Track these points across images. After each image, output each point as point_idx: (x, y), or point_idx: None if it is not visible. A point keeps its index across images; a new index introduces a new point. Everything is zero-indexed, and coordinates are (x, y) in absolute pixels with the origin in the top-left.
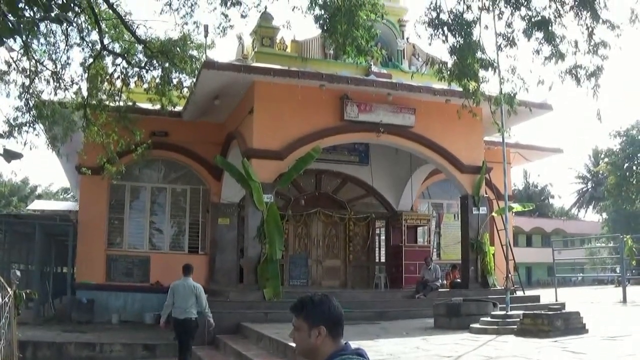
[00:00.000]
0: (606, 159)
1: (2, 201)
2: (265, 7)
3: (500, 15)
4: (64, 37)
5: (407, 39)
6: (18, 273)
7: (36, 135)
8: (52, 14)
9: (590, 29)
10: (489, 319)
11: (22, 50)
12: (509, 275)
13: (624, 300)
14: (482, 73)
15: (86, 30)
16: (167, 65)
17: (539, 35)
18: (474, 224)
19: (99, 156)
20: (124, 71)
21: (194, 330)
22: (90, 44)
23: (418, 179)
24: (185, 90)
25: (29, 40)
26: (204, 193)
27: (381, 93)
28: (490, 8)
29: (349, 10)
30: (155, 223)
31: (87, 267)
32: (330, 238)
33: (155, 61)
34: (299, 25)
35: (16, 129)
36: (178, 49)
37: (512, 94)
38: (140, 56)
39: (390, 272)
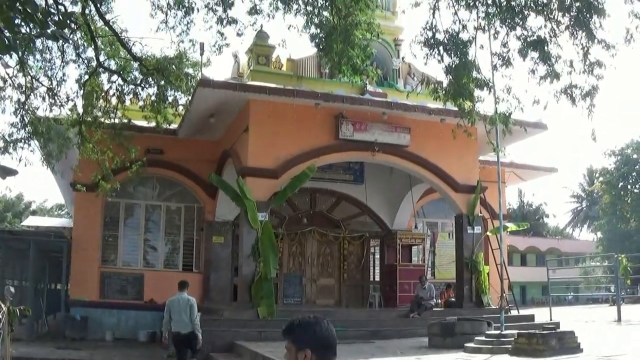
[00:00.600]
0: (601, 178)
1: None
2: (261, 26)
3: (496, 35)
4: (59, 53)
5: (403, 58)
6: (12, 289)
7: (31, 151)
8: (49, 31)
9: (585, 49)
10: (483, 338)
11: (17, 67)
12: (504, 294)
13: (619, 320)
14: (477, 93)
15: (82, 47)
16: (162, 82)
17: (535, 54)
18: (469, 243)
19: (94, 173)
20: (120, 88)
21: (194, 342)
22: (86, 61)
23: (413, 198)
24: (181, 108)
25: (24, 56)
26: (199, 211)
27: (376, 112)
28: (486, 28)
29: (344, 29)
30: (150, 241)
31: (81, 284)
32: (324, 257)
33: (150, 79)
34: (295, 44)
35: (11, 145)
36: (174, 66)
37: (507, 114)
38: (136, 73)
39: (385, 291)
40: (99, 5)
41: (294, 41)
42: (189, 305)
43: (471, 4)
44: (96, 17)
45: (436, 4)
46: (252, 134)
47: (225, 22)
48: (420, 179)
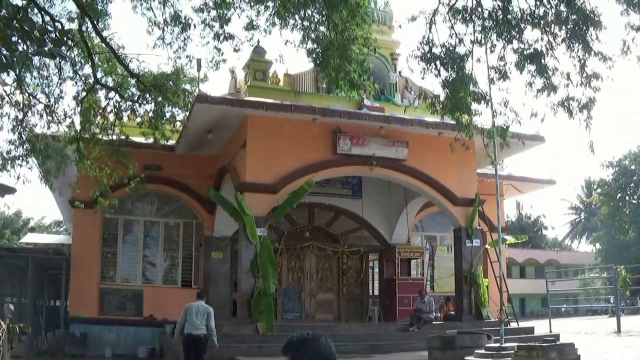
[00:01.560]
0: (599, 190)
1: None
2: (258, 41)
3: (493, 48)
4: (57, 70)
5: (400, 72)
6: (11, 307)
7: (29, 169)
8: (46, 49)
9: (582, 61)
10: (483, 351)
11: (15, 84)
12: (503, 307)
13: (618, 331)
14: (474, 106)
15: (79, 64)
16: (160, 99)
17: (531, 67)
18: (468, 256)
19: (92, 190)
20: (117, 105)
21: (203, 346)
22: (83, 78)
23: (411, 211)
24: (178, 124)
25: (22, 74)
26: (197, 227)
27: (374, 126)
28: (483, 41)
29: (341, 44)
30: (148, 257)
31: (80, 301)
32: (323, 271)
33: (148, 95)
34: (292, 59)
35: (9, 162)
36: (171, 82)
37: (504, 127)
38: (133, 90)
39: (384, 305)
40: (95, 22)
41: (291, 56)
42: (207, 312)
43: (467, 18)
44: (93, 34)
45: (432, 18)
46: (250, 149)
47: (222, 37)
48: (419, 193)
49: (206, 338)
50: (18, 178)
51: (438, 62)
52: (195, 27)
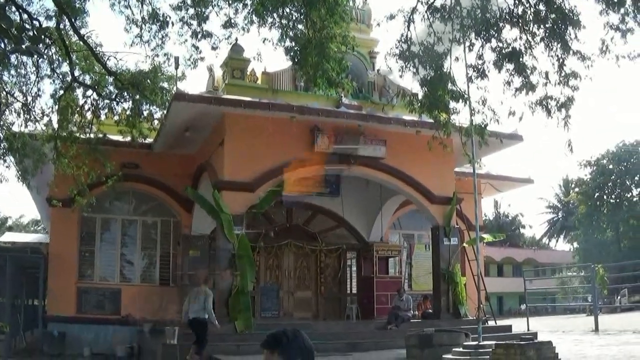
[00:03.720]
0: (577, 189)
1: None
2: (236, 39)
3: (471, 47)
4: (34, 68)
5: (378, 70)
6: None
7: (7, 167)
8: (23, 46)
9: (560, 60)
10: (461, 349)
11: None
12: (481, 305)
13: (596, 329)
14: (452, 104)
15: (57, 62)
16: (137, 97)
17: (510, 66)
18: (445, 255)
19: (70, 188)
20: (95, 103)
21: (203, 327)
22: (60, 76)
23: (389, 210)
24: (156, 122)
25: None
26: (175, 225)
27: (352, 124)
28: (461, 40)
29: (319, 42)
30: (126, 255)
31: (58, 300)
32: (301, 270)
33: (125, 93)
34: (270, 57)
35: None
36: (149, 80)
37: (482, 125)
38: (111, 88)
39: (362, 303)
40: (73, 20)
41: (269, 54)
42: (205, 295)
43: (446, 17)
44: (71, 32)
45: (411, 17)
46: (228, 148)
47: (200, 35)
48: (397, 191)
49: (205, 320)
50: None
51: (416, 61)
52: (173, 25)
